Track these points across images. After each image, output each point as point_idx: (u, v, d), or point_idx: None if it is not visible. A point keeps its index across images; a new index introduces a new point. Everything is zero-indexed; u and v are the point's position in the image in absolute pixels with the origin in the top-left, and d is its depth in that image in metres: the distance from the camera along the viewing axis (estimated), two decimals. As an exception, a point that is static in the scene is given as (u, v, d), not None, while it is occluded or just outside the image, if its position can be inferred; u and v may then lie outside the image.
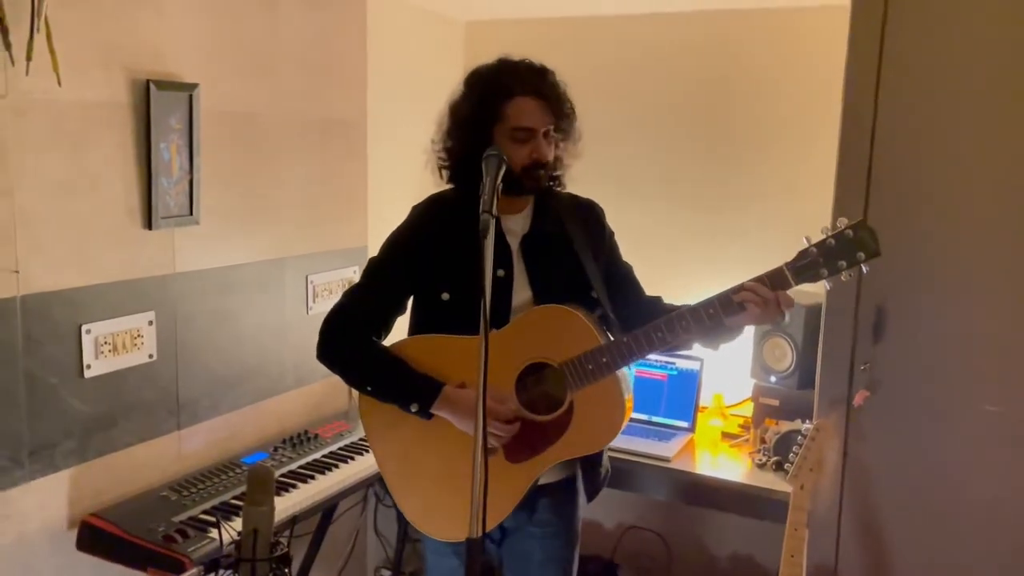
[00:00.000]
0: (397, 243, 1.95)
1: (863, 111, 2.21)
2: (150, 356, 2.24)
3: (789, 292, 1.74)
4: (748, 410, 3.03)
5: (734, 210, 3.17)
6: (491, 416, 1.78)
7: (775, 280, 1.72)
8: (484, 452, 1.51)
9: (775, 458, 2.67)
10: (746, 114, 3.13)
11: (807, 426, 2.61)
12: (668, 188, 3.28)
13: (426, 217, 1.95)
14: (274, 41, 2.58)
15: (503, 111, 1.80)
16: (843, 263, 1.68)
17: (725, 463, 2.76)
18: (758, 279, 1.73)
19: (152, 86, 2.15)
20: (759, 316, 1.73)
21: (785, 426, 2.74)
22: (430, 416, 1.85)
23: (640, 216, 3.16)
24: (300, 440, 2.61)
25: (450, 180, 1.94)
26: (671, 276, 2.85)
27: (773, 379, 2.83)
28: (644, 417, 2.97)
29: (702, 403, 3.02)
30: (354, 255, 2.98)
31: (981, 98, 2.11)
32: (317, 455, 2.56)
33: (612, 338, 1.87)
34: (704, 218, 3.23)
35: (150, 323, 2.23)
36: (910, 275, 2.21)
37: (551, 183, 1.94)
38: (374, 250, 2.01)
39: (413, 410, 1.84)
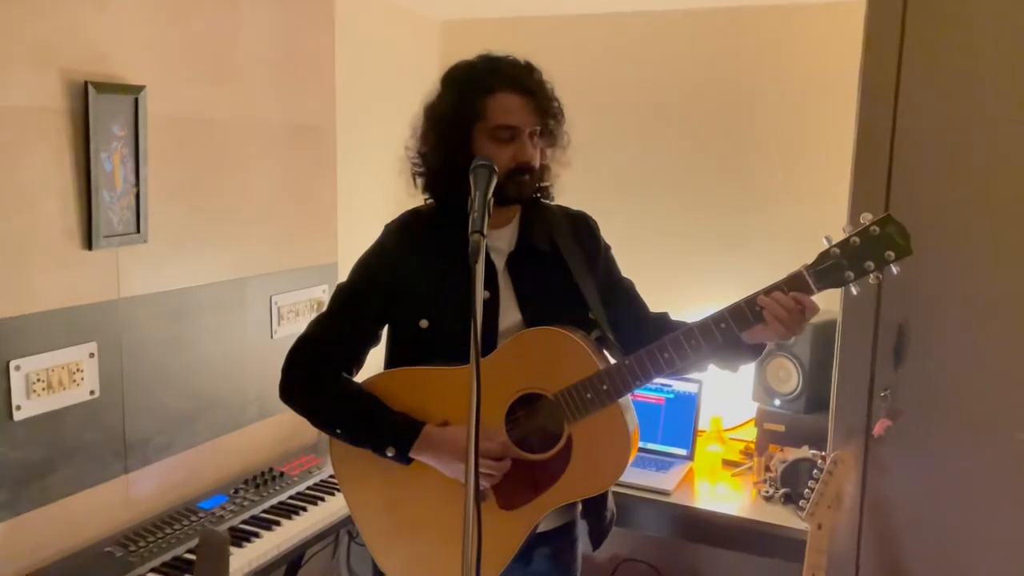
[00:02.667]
0: (366, 266, 1.73)
1: (881, 111, 2.02)
2: (92, 393, 2.00)
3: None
4: (749, 433, 2.84)
5: (738, 217, 2.98)
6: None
7: (794, 286, 1.52)
8: (477, 508, 1.31)
9: (783, 490, 2.47)
10: (748, 116, 2.94)
11: (815, 453, 2.44)
12: (664, 194, 3.08)
13: (399, 236, 1.73)
14: (233, 40, 2.34)
15: (484, 108, 1.60)
16: (870, 264, 1.48)
17: (728, 495, 2.56)
18: (775, 286, 1.52)
19: (91, 88, 1.91)
20: (781, 329, 1.52)
21: (792, 453, 2.54)
22: (409, 460, 1.63)
23: (633, 225, 2.96)
24: (265, 479, 2.36)
25: (425, 190, 1.72)
26: (670, 287, 2.68)
27: (777, 402, 2.65)
28: (640, 444, 2.75)
29: (699, 427, 2.81)
30: (323, 273, 2.74)
31: (1014, 95, 1.92)
32: (283, 496, 2.32)
33: (612, 362, 1.66)
34: (706, 226, 3.03)
35: (91, 356, 1.99)
36: (935, 291, 2.02)
37: (538, 194, 1.73)
38: (345, 267, 1.78)
39: (390, 455, 1.62)
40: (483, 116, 1.59)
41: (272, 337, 2.54)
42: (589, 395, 1.60)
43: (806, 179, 2.85)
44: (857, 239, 1.49)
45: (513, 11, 3.13)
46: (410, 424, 1.62)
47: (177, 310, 2.21)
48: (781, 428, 2.64)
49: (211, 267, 2.32)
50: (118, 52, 2.01)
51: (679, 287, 2.86)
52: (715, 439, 2.85)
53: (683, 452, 2.74)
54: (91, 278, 1.99)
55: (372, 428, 1.64)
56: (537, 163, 1.65)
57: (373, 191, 2.85)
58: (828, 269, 1.51)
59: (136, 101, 2.02)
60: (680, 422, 2.78)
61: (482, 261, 1.32)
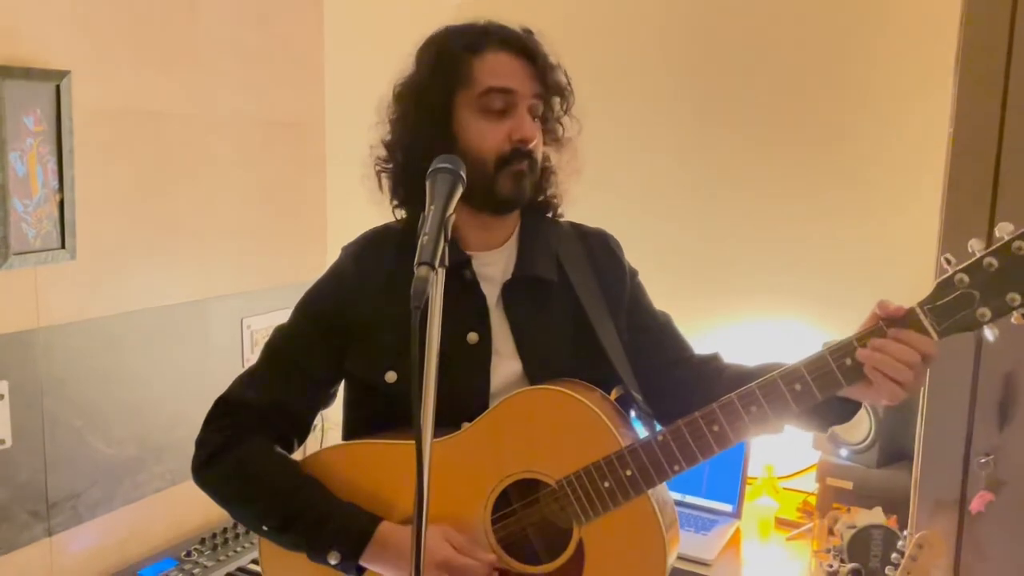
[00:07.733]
0: (314, 303, 1.35)
1: (985, 95, 1.58)
2: (1, 442, 1.66)
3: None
4: (806, 482, 2.40)
5: (783, 226, 2.51)
6: (455, 574, 1.17)
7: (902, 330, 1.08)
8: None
9: (851, 565, 2.03)
10: (809, 94, 2.45)
11: (890, 518, 2.01)
12: (695, 199, 2.62)
13: (359, 262, 1.34)
14: (190, 18, 1.99)
15: (470, 70, 1.24)
16: (1015, 296, 1.04)
17: (782, 567, 2.12)
18: (872, 331, 1.08)
19: (-6, 73, 1.58)
20: (892, 389, 1.07)
21: (861, 516, 2.10)
22: (360, 571, 1.23)
23: (636, 236, 2.53)
24: (225, 538, 2.03)
25: (394, 195, 1.34)
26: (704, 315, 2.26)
27: (844, 453, 2.21)
28: (678, 497, 2.33)
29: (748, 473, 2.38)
30: (309, 291, 2.38)
31: None
32: (244, 560, 1.97)
33: (639, 435, 1.25)
34: (741, 237, 2.58)
35: (1, 397, 1.65)
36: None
37: (542, 205, 1.34)
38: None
39: (333, 563, 1.22)
40: (468, 80, 1.24)
41: (244, 366, 2.18)
42: (607, 484, 1.19)
43: (879, 177, 2.36)
44: (994, 260, 1.04)
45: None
46: (362, 520, 1.23)
47: (117, 340, 1.88)
48: (848, 485, 2.20)
49: (162, 287, 1.98)
50: (34, 30, 1.67)
51: (714, 314, 2.42)
52: (767, 490, 2.42)
53: (729, 508, 2.31)
54: (1, 303, 1.65)
55: (310, 524, 1.24)
56: (539, 148, 1.27)
57: (370, 195, 2.47)
58: (953, 304, 1.06)
59: (58, 89, 1.69)
60: (727, 470, 2.35)
61: (438, 307, 0.96)
